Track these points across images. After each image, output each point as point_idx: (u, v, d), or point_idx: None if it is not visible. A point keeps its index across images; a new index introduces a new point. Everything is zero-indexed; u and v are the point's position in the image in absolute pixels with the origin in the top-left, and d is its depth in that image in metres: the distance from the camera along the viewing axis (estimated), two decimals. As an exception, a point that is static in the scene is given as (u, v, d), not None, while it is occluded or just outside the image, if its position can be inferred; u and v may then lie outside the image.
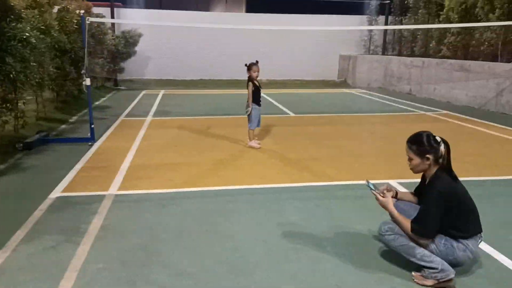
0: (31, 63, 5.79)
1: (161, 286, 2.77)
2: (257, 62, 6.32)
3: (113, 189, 4.56)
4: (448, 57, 13.19)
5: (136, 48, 15.00)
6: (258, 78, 6.38)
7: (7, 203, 4.21)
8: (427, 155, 2.81)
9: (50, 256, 3.14)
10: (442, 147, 2.80)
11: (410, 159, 2.91)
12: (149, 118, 8.96)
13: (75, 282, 2.80)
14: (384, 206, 2.97)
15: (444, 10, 13.40)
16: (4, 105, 6.06)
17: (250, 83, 6.32)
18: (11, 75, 5.43)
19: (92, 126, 6.65)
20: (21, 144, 6.08)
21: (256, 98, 6.40)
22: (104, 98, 12.01)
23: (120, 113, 9.42)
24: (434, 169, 2.84)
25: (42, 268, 2.97)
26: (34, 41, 5.84)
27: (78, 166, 5.39)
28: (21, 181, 4.89)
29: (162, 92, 13.61)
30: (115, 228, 3.62)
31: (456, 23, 12.43)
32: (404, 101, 12.09)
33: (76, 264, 3.02)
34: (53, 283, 2.78)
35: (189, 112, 9.85)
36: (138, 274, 2.90)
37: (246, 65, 6.36)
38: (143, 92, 13.55)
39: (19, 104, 6.62)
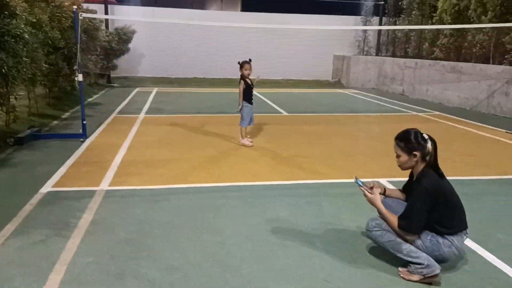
0: (24, 59, 5.77)
1: (150, 280, 2.79)
2: (250, 60, 6.35)
3: (104, 185, 4.56)
4: (440, 59, 13.29)
5: (130, 45, 14.92)
6: (250, 77, 6.41)
7: (-3, 198, 4.20)
8: (415, 152, 2.85)
9: (39, 250, 3.14)
10: (429, 145, 2.85)
11: (398, 156, 2.95)
12: (141, 115, 8.95)
13: (64, 275, 2.81)
14: (372, 202, 3.01)
15: (437, 12, 13.51)
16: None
17: (242, 81, 6.35)
18: (3, 70, 5.41)
19: (84, 122, 6.63)
20: (12, 139, 6.06)
21: (247, 96, 6.42)
22: (97, 95, 11.98)
23: (112, 110, 9.40)
24: (421, 166, 2.88)
25: (32, 261, 2.97)
26: (27, 37, 5.82)
27: (70, 162, 5.38)
28: (12, 175, 4.88)
29: (155, 89, 13.59)
30: (105, 223, 3.63)
31: (449, 25, 12.54)
32: (397, 101, 12.17)
33: (65, 257, 3.02)
34: (42, 276, 2.79)
35: (182, 110, 9.85)
36: (128, 268, 2.92)
37: (239, 63, 6.39)
38: (136, 89, 13.52)
39: (11, 99, 6.59)
